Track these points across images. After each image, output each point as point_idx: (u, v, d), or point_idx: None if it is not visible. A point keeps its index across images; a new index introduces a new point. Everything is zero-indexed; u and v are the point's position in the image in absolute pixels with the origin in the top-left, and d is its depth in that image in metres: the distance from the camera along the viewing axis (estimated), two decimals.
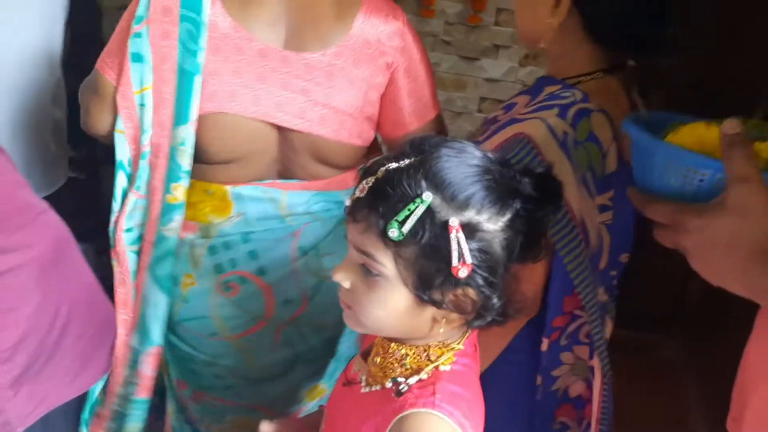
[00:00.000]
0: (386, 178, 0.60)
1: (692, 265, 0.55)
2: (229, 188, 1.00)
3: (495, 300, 0.61)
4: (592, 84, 0.88)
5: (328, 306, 1.02)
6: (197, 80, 0.92)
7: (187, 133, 0.94)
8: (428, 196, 0.58)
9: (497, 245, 0.61)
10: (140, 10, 0.92)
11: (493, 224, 0.60)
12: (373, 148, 1.08)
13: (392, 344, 0.67)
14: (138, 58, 0.92)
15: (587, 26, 0.87)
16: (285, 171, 1.02)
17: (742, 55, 1.98)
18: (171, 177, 0.96)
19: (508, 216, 0.60)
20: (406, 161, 0.61)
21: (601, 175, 0.85)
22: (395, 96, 1.02)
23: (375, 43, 0.97)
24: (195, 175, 0.99)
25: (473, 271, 0.59)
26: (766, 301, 0.51)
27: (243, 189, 1.00)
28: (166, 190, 0.97)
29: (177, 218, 0.98)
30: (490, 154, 0.64)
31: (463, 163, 0.61)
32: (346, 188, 1.01)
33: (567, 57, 0.91)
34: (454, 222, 0.58)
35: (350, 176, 1.04)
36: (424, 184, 0.59)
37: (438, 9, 2.21)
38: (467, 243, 0.58)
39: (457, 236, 0.58)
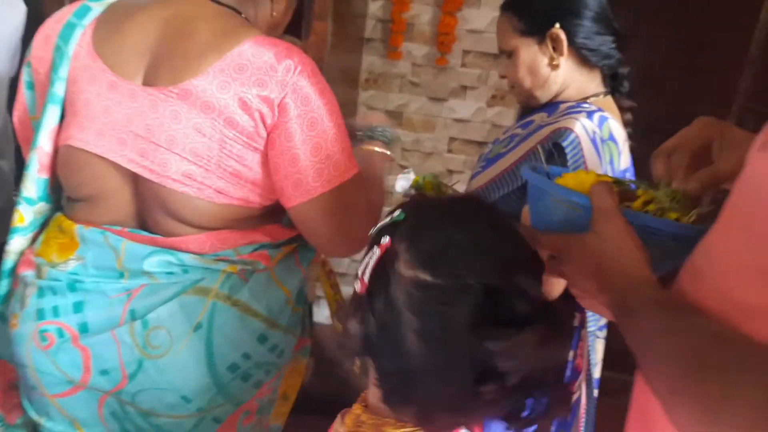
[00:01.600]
0: None
1: (571, 292, 0.62)
2: (77, 228, 0.89)
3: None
4: (598, 102, 1.01)
5: (153, 392, 0.88)
6: (51, 109, 0.91)
7: (31, 160, 0.92)
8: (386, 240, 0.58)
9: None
10: (34, 39, 0.94)
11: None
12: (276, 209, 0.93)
13: None
14: (29, 86, 0.96)
15: (581, 58, 1.00)
16: (140, 222, 0.91)
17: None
18: (19, 200, 0.95)
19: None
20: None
21: (618, 169, 0.98)
22: (277, 158, 0.85)
23: (247, 88, 0.82)
24: (64, 209, 0.97)
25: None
26: (618, 319, 0.54)
27: (88, 231, 0.89)
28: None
29: (14, 242, 0.95)
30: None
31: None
32: (203, 253, 0.88)
33: (569, 87, 1.03)
34: (385, 239, 0.58)
35: (214, 238, 0.89)
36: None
37: (405, 51, 2.21)
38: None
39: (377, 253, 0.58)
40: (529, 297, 0.55)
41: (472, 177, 1.07)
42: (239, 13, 0.91)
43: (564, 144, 0.91)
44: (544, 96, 1.03)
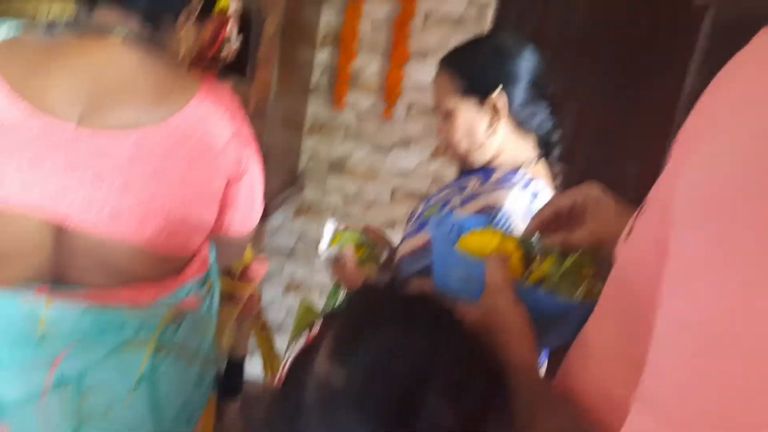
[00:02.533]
0: None
1: None
2: None
3: None
4: (531, 170, 1.00)
5: None
6: None
7: None
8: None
9: None
10: None
11: None
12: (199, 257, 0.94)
13: None
14: None
15: (518, 124, 0.99)
16: (58, 275, 0.83)
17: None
18: None
19: None
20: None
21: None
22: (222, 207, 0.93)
23: (204, 139, 0.83)
24: None
25: None
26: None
27: None
28: None
29: None
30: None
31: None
32: (137, 307, 0.83)
33: (503, 153, 1.01)
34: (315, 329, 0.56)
35: (152, 287, 0.85)
36: None
37: (350, 101, 2.22)
38: None
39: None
40: None
41: (404, 237, 1.03)
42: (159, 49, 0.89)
43: (493, 221, 0.89)
44: (479, 159, 1.01)
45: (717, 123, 0.33)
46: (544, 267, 0.62)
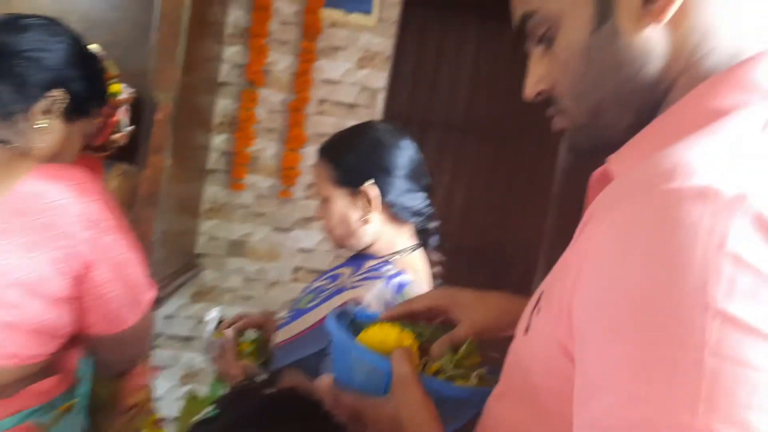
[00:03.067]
0: None
1: None
2: None
3: None
4: (403, 260, 1.00)
5: None
6: None
7: None
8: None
9: None
10: None
11: None
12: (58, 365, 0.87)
13: None
14: None
15: (392, 214, 1.00)
16: None
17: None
18: None
19: None
20: None
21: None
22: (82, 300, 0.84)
23: (38, 220, 0.76)
24: None
25: None
26: None
27: None
28: None
29: None
30: None
31: None
32: None
33: (379, 241, 1.02)
34: None
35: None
36: None
37: (249, 183, 2.24)
38: None
39: None
40: None
41: (280, 327, 1.02)
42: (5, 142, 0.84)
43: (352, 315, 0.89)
44: (355, 246, 1.03)
45: (592, 258, 0.40)
46: (437, 364, 0.65)
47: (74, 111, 0.88)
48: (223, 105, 2.21)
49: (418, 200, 1.01)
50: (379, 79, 2.25)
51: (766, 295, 0.32)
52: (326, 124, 2.24)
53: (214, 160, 2.24)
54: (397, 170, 0.99)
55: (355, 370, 0.61)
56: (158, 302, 1.70)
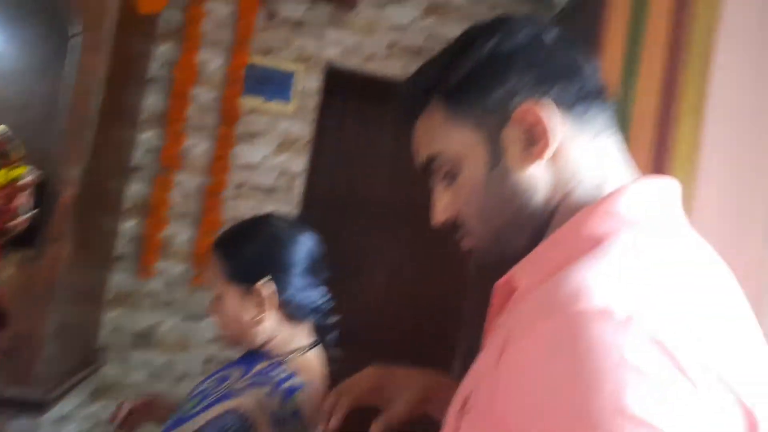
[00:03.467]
0: None
1: None
2: None
3: None
4: (296, 362, 0.96)
5: None
6: None
7: None
8: None
9: None
10: None
11: None
12: None
13: None
14: None
15: (288, 313, 0.96)
16: None
17: None
18: None
19: None
20: None
21: None
22: None
23: None
24: None
25: None
26: None
27: None
28: None
29: None
30: None
31: None
32: None
33: (276, 338, 0.98)
34: None
35: None
36: None
37: (159, 269, 2.14)
38: None
39: None
40: None
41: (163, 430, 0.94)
42: None
43: (229, 428, 0.83)
44: (249, 344, 0.97)
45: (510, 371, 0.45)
46: None
47: None
48: (135, 189, 2.13)
49: (316, 296, 0.98)
50: (298, 163, 2.27)
51: (664, 397, 0.39)
52: (244, 207, 2.21)
53: (122, 246, 2.13)
54: (295, 267, 0.95)
55: None
56: (47, 404, 1.54)
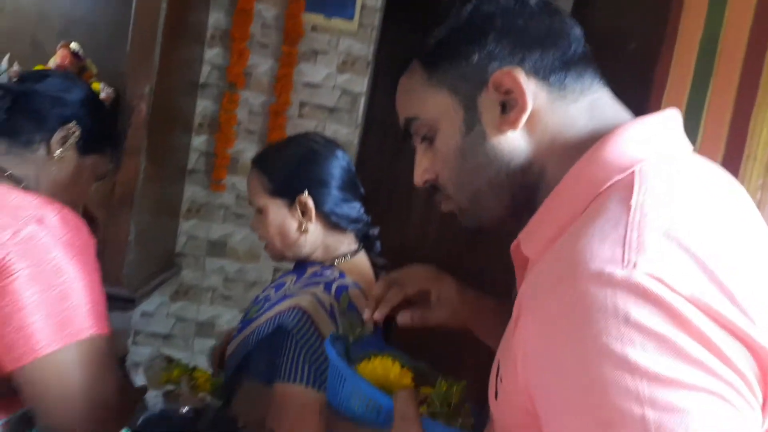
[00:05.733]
0: None
1: None
2: None
3: None
4: (344, 265, 1.03)
5: None
6: None
7: None
8: None
9: None
10: None
11: None
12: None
13: None
14: None
15: (330, 223, 1.02)
16: None
17: None
18: None
19: None
20: None
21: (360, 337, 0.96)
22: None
23: None
24: None
25: None
26: None
27: None
28: None
29: None
30: None
31: None
32: None
33: (319, 248, 1.04)
34: None
35: None
36: None
37: (229, 184, 2.27)
38: None
39: None
40: None
41: (233, 338, 1.04)
42: (4, 171, 0.90)
43: (290, 324, 0.90)
44: (294, 256, 1.04)
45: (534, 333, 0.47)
46: (426, 390, 0.67)
47: (87, 146, 0.98)
48: (204, 106, 2.23)
49: (354, 209, 1.04)
50: (359, 83, 2.28)
51: (669, 351, 0.39)
52: (307, 127, 2.27)
53: (194, 161, 2.26)
54: (332, 181, 1.01)
55: (353, 399, 0.62)
56: (135, 301, 1.73)
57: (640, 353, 0.39)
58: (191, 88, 2.16)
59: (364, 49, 2.25)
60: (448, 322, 0.80)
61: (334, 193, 1.01)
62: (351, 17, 2.22)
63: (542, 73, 0.56)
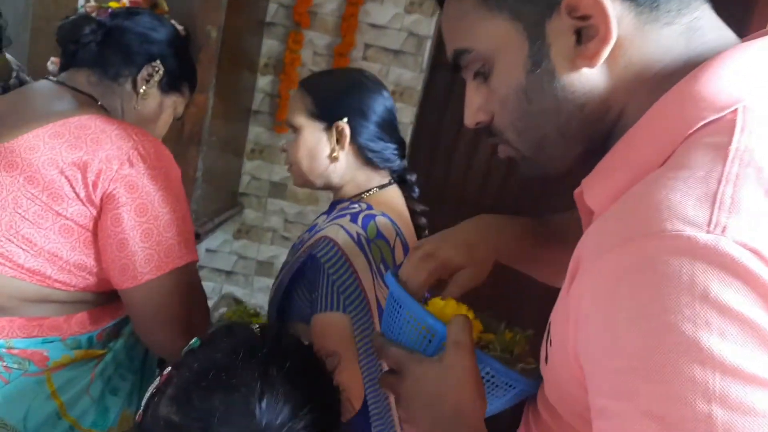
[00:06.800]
0: None
1: (399, 414, 0.60)
2: None
3: None
4: (372, 198, 1.02)
5: None
6: None
7: None
8: None
9: None
10: None
11: None
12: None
13: None
14: None
15: (363, 157, 1.01)
16: None
17: None
18: None
19: None
20: None
21: (393, 266, 0.94)
22: (105, 241, 0.83)
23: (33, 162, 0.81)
24: None
25: None
26: None
27: None
28: None
29: None
30: None
31: None
32: (50, 335, 0.84)
33: (349, 183, 1.03)
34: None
35: (61, 322, 0.85)
36: None
37: None
38: None
39: None
40: None
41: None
42: (96, 101, 0.94)
43: (319, 254, 0.89)
44: (319, 183, 1.02)
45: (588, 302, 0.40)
46: (488, 336, 0.65)
47: (169, 84, 1.02)
48: (269, 46, 2.22)
49: (388, 149, 1.02)
50: (427, 25, 2.20)
51: (754, 340, 0.32)
52: (371, 69, 2.20)
53: (259, 101, 2.27)
54: (373, 115, 0.99)
55: (407, 327, 0.60)
56: (200, 237, 1.80)
57: (716, 340, 0.32)
58: (258, 27, 2.14)
59: None
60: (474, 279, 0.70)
61: (372, 128, 0.99)
62: None
63: None
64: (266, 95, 2.26)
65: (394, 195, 1.05)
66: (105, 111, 0.93)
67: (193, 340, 0.62)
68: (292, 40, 2.17)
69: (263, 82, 2.25)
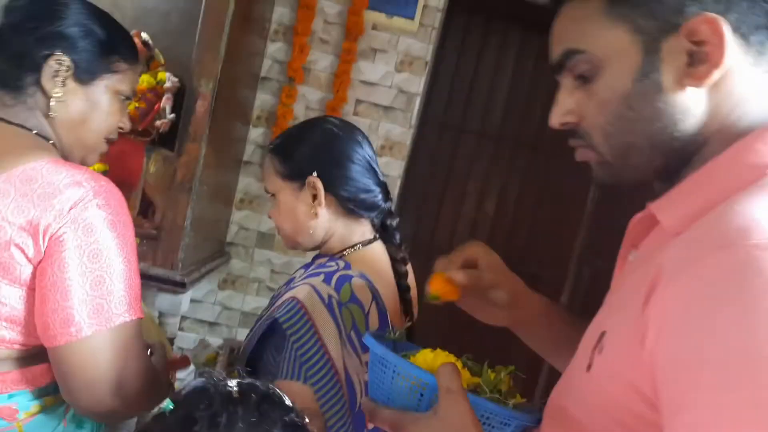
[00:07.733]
0: None
1: None
2: None
3: None
4: (353, 255, 0.99)
5: None
6: None
7: None
8: None
9: None
10: None
11: None
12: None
13: None
14: None
15: (344, 209, 0.98)
16: None
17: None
18: None
19: None
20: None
21: (364, 332, 0.90)
22: (46, 290, 0.75)
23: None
24: None
25: None
26: None
27: None
28: None
29: None
30: None
31: None
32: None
33: (332, 237, 1.00)
34: None
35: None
36: None
37: None
38: None
39: None
40: None
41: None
42: (47, 139, 0.84)
43: (281, 319, 0.85)
44: (307, 243, 1.00)
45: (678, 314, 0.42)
46: (476, 379, 0.65)
47: (88, 70, 0.83)
48: (263, 99, 2.26)
49: (371, 195, 0.98)
50: (416, 83, 2.27)
51: None
52: (361, 125, 2.26)
53: (250, 152, 2.30)
54: (348, 163, 0.96)
55: (395, 385, 0.60)
56: (186, 286, 1.77)
57: None
58: (252, 81, 2.19)
59: (423, 49, 2.25)
60: (504, 320, 0.78)
61: (348, 176, 0.96)
62: (412, 17, 2.22)
63: (744, 28, 0.49)
64: (257, 146, 2.29)
65: (378, 251, 1.02)
66: (42, 139, 0.82)
67: (164, 402, 0.57)
68: (285, 94, 2.22)
69: (255, 133, 2.28)
